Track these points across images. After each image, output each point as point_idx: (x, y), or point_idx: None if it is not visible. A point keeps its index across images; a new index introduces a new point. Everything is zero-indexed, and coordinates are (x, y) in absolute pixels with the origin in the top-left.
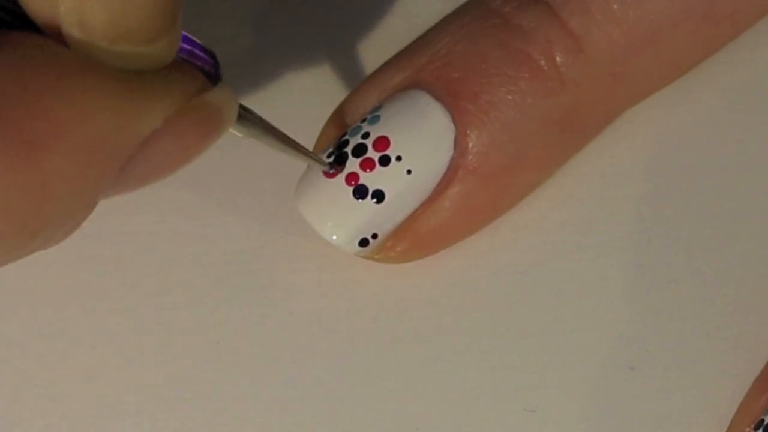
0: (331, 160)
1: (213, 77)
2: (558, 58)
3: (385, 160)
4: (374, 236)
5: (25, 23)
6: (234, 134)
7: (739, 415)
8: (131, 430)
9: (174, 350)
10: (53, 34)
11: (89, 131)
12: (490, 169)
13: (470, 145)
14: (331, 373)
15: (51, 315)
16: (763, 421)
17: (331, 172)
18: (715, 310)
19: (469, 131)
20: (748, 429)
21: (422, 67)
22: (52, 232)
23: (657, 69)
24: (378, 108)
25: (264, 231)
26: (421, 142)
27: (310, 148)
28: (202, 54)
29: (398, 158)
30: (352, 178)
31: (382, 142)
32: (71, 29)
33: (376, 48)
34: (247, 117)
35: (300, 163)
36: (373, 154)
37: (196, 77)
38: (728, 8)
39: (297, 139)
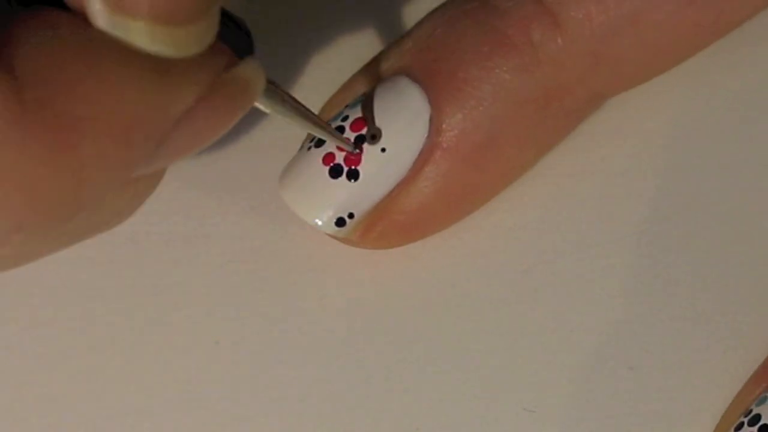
0: (351, 139)
1: (245, 51)
2: (534, 36)
3: (360, 140)
4: (351, 216)
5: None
6: (259, 108)
7: (733, 407)
8: (131, 430)
9: (174, 350)
10: (84, 13)
11: (125, 114)
12: (466, 147)
13: (444, 124)
14: (331, 373)
15: (51, 315)
16: (751, 410)
17: (355, 152)
18: (715, 310)
19: (443, 110)
20: (739, 420)
21: (404, 54)
22: (90, 214)
23: (640, 52)
24: (362, 95)
25: (264, 231)
26: (395, 122)
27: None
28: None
29: (373, 137)
30: (329, 158)
31: (359, 123)
32: (111, 10)
33: (373, 47)
34: (272, 91)
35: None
36: (348, 134)
37: (225, 51)
38: None
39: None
